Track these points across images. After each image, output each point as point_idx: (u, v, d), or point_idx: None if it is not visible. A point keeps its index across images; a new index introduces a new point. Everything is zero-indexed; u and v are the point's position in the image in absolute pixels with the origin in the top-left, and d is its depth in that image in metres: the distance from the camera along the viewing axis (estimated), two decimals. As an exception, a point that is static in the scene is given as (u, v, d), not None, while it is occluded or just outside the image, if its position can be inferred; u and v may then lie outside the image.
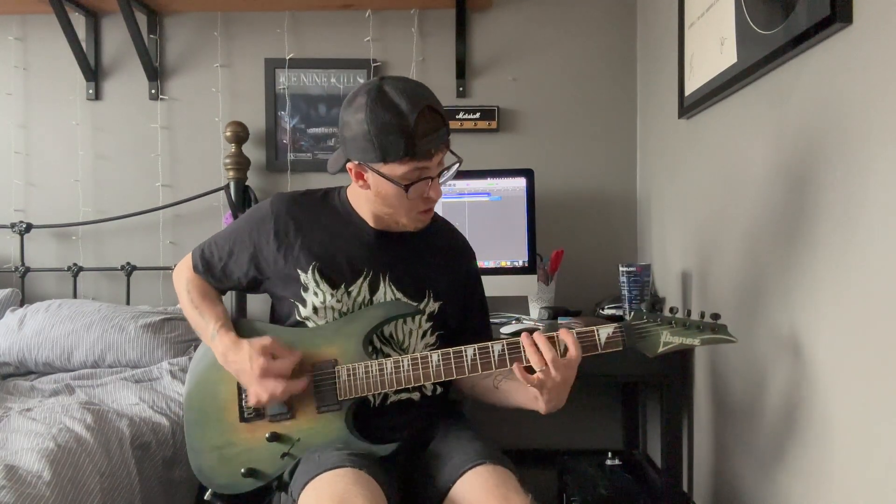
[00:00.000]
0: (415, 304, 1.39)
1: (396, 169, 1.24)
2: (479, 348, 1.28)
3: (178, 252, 2.48)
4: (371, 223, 1.39)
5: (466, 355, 1.28)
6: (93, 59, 2.50)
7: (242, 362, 1.31)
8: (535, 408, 1.27)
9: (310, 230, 1.39)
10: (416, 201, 1.30)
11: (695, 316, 1.25)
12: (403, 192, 1.26)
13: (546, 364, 1.20)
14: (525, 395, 1.28)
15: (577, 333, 1.24)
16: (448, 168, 1.33)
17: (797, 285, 1.34)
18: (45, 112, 2.52)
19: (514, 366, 1.23)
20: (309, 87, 2.51)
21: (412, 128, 1.20)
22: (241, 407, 1.37)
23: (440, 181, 1.31)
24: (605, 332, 1.25)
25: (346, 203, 1.42)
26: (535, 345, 1.22)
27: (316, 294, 1.36)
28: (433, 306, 1.41)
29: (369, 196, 1.33)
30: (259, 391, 1.30)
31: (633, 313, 1.26)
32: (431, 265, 1.43)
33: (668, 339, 1.23)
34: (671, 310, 1.25)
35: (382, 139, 1.21)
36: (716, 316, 1.23)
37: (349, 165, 1.30)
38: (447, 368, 1.29)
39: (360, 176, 1.30)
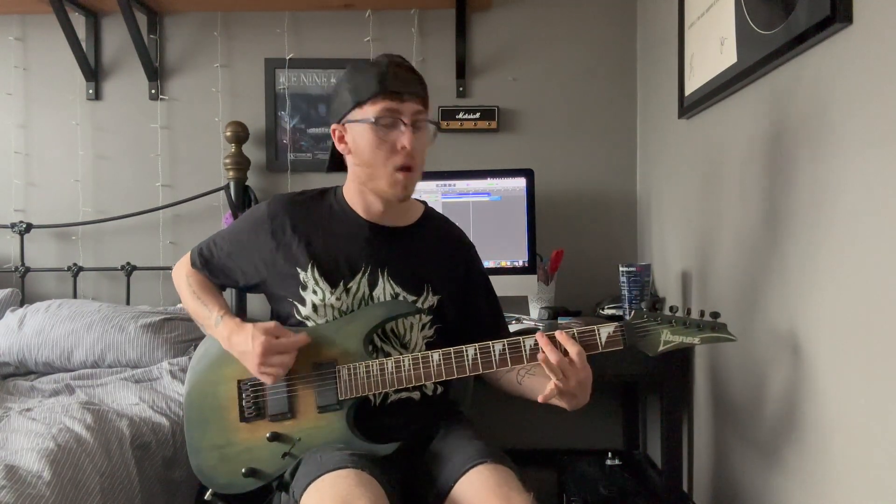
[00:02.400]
0: (413, 298, 1.39)
1: (369, 111, 1.30)
2: (479, 347, 1.28)
3: (178, 252, 2.48)
4: (365, 216, 1.40)
5: (467, 354, 1.28)
6: (93, 59, 2.50)
7: (245, 343, 1.31)
8: (560, 405, 1.27)
9: (307, 228, 1.40)
10: (390, 153, 1.30)
11: (695, 315, 1.25)
12: (376, 133, 1.29)
13: (561, 374, 1.20)
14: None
15: (578, 332, 1.24)
16: (421, 120, 1.32)
17: (797, 285, 1.34)
18: (45, 112, 2.52)
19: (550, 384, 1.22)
20: (309, 87, 2.51)
21: (384, 68, 1.29)
22: (241, 406, 1.37)
23: (418, 138, 1.31)
24: (605, 331, 1.25)
25: (342, 200, 1.43)
26: (548, 353, 1.21)
27: (315, 292, 1.37)
28: (432, 300, 1.41)
29: (353, 166, 1.36)
30: (265, 370, 1.29)
31: (633, 312, 1.26)
32: (429, 259, 1.44)
33: (668, 338, 1.23)
34: (671, 308, 1.25)
35: (357, 79, 1.31)
36: (715, 314, 1.23)
37: (333, 128, 1.36)
38: (448, 368, 1.29)
39: (342, 139, 1.36)
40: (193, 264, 1.47)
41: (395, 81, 1.29)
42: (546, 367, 1.21)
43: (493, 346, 1.28)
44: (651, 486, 1.97)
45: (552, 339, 1.23)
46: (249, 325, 1.32)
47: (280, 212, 1.41)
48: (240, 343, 1.32)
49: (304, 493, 1.17)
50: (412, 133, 1.30)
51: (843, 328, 1.19)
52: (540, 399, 1.24)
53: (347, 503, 1.10)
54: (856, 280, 1.15)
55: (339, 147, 1.38)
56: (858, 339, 1.15)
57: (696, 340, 1.22)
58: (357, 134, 1.33)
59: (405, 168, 1.32)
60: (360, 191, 1.40)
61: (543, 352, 1.21)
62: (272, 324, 1.32)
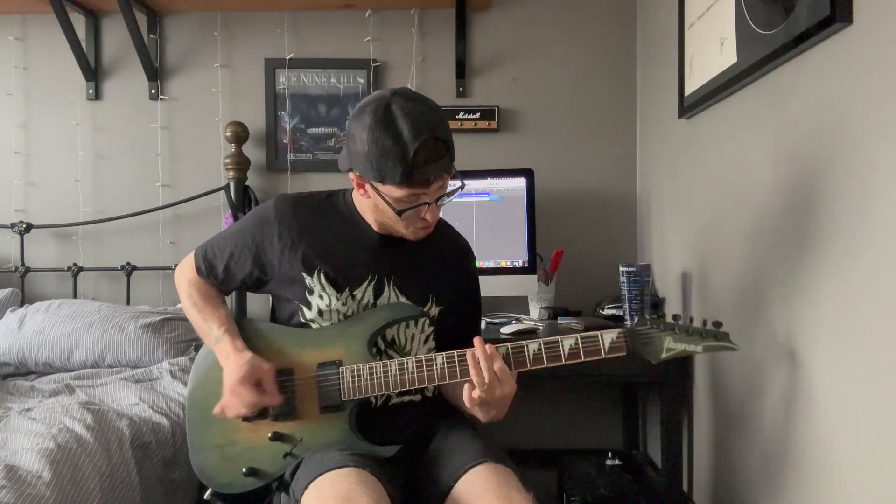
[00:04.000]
0: (420, 308, 1.39)
1: (393, 191, 1.24)
2: None
3: (178, 252, 2.48)
4: (375, 228, 1.39)
5: None
6: (93, 59, 2.50)
7: (228, 372, 1.32)
8: (477, 415, 1.30)
9: (314, 233, 1.39)
10: (411, 223, 1.31)
11: (697, 322, 1.25)
12: (397, 213, 1.27)
13: (485, 382, 1.22)
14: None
15: (581, 338, 1.25)
16: (449, 194, 1.32)
17: (797, 286, 1.34)
18: (45, 112, 2.52)
19: (465, 386, 1.25)
20: (309, 87, 2.51)
21: (410, 157, 1.19)
22: (243, 406, 1.37)
23: (438, 203, 1.30)
24: (609, 336, 1.25)
25: (352, 206, 1.42)
26: (477, 363, 1.23)
27: (321, 297, 1.37)
28: (435, 311, 1.42)
29: (370, 205, 1.34)
30: (227, 404, 1.32)
31: (636, 318, 1.27)
32: (435, 270, 1.43)
33: (670, 346, 1.23)
34: (674, 317, 1.26)
35: (381, 163, 1.21)
36: (718, 324, 1.23)
37: (351, 175, 1.31)
38: (451, 371, 1.29)
39: (361, 186, 1.31)
40: (198, 270, 1.46)
41: (422, 171, 1.21)
42: (473, 374, 1.23)
43: (499, 350, 1.27)
44: (651, 486, 1.97)
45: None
46: (248, 356, 1.32)
47: (288, 214, 1.40)
48: (227, 369, 1.34)
49: (305, 491, 1.17)
50: (436, 204, 1.29)
51: (843, 328, 1.19)
52: (465, 400, 1.25)
53: (349, 501, 1.10)
54: (857, 281, 1.15)
55: (358, 191, 1.33)
56: (858, 341, 1.15)
57: (699, 349, 1.23)
58: (378, 198, 1.28)
59: (427, 227, 1.35)
60: (374, 216, 1.37)
61: (476, 358, 1.23)
62: (266, 366, 1.32)
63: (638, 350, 1.25)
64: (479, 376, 1.22)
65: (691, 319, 1.26)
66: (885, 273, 1.07)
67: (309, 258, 1.37)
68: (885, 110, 1.07)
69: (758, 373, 1.52)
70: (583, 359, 1.25)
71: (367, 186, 1.29)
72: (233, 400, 1.31)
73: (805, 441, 1.32)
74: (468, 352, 1.25)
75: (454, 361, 1.29)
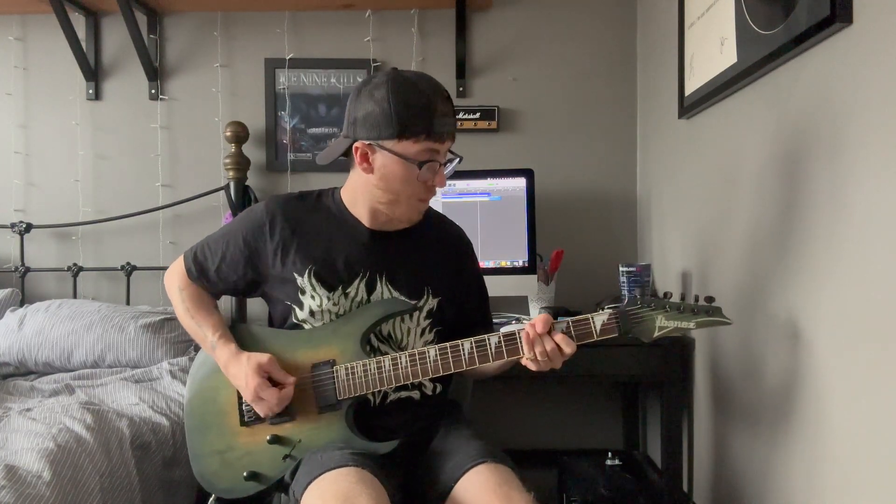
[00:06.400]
0: (413, 302, 1.39)
1: (410, 147, 1.26)
2: (475, 341, 1.28)
3: (178, 252, 2.44)
4: (366, 222, 1.39)
5: (463, 349, 1.29)
6: (93, 59, 2.50)
7: (239, 378, 1.33)
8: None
9: (306, 232, 1.39)
10: (419, 187, 1.31)
11: (690, 300, 1.25)
12: (412, 171, 1.28)
13: (546, 355, 1.24)
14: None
15: (573, 321, 1.26)
16: (450, 161, 1.35)
17: (797, 285, 1.34)
18: (45, 112, 2.52)
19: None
20: (309, 87, 2.51)
21: (433, 107, 1.25)
22: (241, 411, 1.37)
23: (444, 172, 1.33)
24: (599, 319, 1.25)
25: (340, 204, 1.42)
26: (533, 342, 1.24)
27: (313, 297, 1.36)
28: (432, 303, 1.41)
29: (369, 183, 1.33)
30: (258, 408, 1.33)
31: (627, 299, 1.26)
32: (428, 261, 1.43)
33: (663, 324, 1.23)
34: (665, 295, 1.26)
35: (403, 114, 1.24)
36: (710, 299, 1.23)
37: (357, 145, 1.30)
38: (445, 363, 1.29)
39: (365, 157, 1.31)
40: (189, 272, 1.44)
41: (441, 123, 1.27)
42: (526, 350, 1.25)
43: (489, 340, 1.28)
44: (651, 486, 1.97)
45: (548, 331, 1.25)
46: (244, 359, 1.33)
47: (278, 214, 1.40)
48: (236, 377, 1.34)
49: (306, 491, 1.17)
50: (443, 169, 1.32)
51: (846, 328, 1.19)
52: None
53: (349, 500, 1.10)
54: (858, 280, 1.15)
55: (360, 165, 1.31)
56: (861, 340, 1.15)
57: (692, 325, 1.22)
58: (389, 162, 1.29)
59: (426, 199, 1.36)
60: (366, 202, 1.37)
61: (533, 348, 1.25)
62: (265, 358, 1.32)
63: (630, 330, 1.24)
64: (536, 351, 1.25)
65: (682, 297, 1.25)
66: (884, 272, 1.07)
67: (301, 258, 1.37)
68: (885, 110, 1.07)
69: (759, 372, 1.52)
70: (575, 343, 1.25)
71: (376, 154, 1.29)
72: (261, 406, 1.32)
73: (806, 440, 1.32)
74: (525, 331, 1.26)
75: (447, 353, 1.29)
